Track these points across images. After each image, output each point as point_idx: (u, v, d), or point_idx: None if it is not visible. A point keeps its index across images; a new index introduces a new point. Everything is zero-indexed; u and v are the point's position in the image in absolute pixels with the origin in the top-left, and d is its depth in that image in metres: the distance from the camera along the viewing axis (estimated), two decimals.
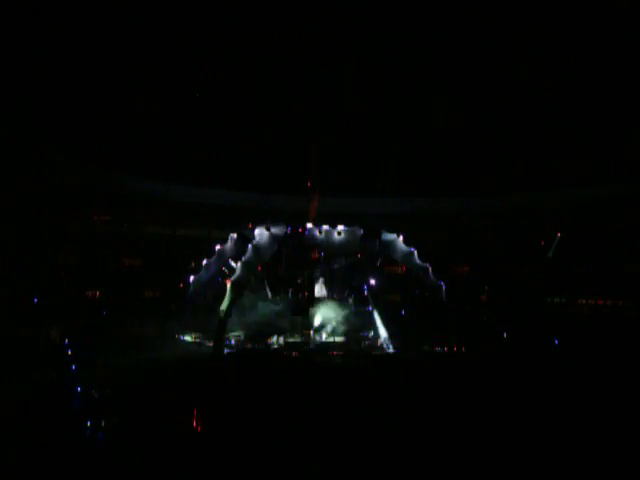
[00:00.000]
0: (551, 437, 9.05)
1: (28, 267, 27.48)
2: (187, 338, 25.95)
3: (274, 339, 25.41)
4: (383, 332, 27.50)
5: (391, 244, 26.16)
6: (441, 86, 35.80)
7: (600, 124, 35.02)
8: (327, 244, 25.29)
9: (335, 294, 27.49)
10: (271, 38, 33.33)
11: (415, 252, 26.15)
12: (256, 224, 30.38)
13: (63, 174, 29.80)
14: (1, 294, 23.85)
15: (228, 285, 24.07)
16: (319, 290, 26.29)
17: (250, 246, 24.72)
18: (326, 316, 28.41)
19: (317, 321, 26.87)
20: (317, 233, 25.27)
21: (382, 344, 26.07)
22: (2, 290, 24.10)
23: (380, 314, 28.03)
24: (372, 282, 27.99)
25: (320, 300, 26.67)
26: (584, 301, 28.31)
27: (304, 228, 25.77)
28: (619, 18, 28.79)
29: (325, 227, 26.21)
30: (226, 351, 22.87)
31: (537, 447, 8.54)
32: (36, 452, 7.39)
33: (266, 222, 27.39)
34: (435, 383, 14.30)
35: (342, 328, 28.53)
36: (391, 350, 24.66)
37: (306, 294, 23.43)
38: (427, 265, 25.91)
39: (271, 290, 27.04)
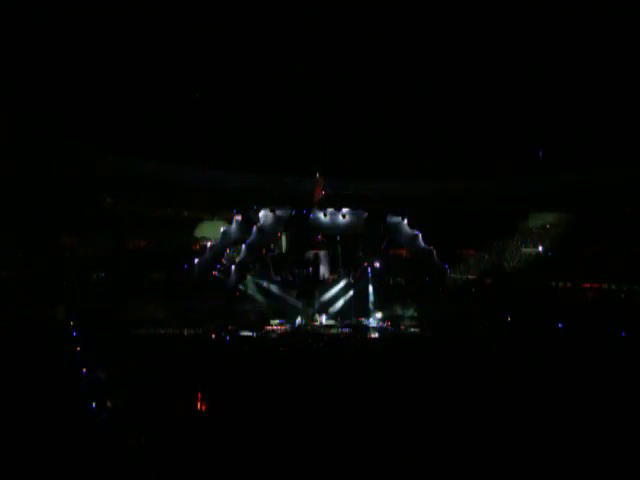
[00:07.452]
0: (554, 423, 9.08)
1: (33, 249, 27.56)
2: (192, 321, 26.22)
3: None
4: (379, 314, 27.65)
5: (396, 227, 26.07)
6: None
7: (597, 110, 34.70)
8: (332, 227, 25.19)
9: (339, 277, 27.52)
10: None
11: (420, 235, 26.05)
12: (261, 206, 30.35)
13: (67, 156, 29.69)
14: (7, 275, 24.00)
15: (233, 267, 24.10)
16: (323, 273, 26.19)
17: (255, 228, 24.66)
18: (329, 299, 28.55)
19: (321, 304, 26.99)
20: (322, 216, 25.15)
21: (378, 326, 26.22)
22: (8, 271, 24.24)
23: (379, 296, 28.07)
24: (376, 265, 27.98)
25: (324, 283, 26.67)
26: (589, 285, 28.20)
27: (309, 210, 25.70)
28: None
29: (330, 210, 26.13)
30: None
31: (540, 433, 8.58)
32: (42, 434, 7.46)
33: (271, 204, 27.35)
34: (434, 366, 14.28)
35: (344, 311, 28.69)
36: (388, 332, 24.74)
37: (311, 277, 23.34)
38: (431, 248, 25.81)
39: (275, 272, 27.11)
